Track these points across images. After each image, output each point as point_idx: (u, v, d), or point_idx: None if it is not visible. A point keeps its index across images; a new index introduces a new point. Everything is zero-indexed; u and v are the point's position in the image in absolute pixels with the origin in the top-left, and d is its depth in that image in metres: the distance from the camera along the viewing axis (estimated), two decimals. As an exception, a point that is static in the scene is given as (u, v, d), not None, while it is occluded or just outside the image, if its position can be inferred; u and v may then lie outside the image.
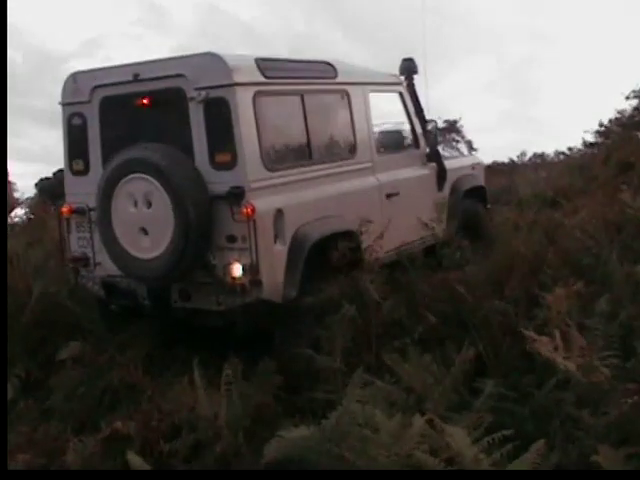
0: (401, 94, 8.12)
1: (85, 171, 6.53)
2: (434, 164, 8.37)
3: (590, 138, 17.88)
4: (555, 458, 3.83)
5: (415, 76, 8.45)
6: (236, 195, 5.67)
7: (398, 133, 8.00)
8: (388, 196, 7.33)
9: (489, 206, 9.50)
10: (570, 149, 18.42)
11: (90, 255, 6.55)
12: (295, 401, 5.39)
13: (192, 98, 5.80)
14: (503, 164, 21.65)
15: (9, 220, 9.83)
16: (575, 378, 4.28)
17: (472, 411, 4.32)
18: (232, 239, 5.78)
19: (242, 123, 5.73)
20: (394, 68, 8.44)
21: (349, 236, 6.36)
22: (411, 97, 8.30)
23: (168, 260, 5.75)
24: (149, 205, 5.78)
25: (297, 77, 6.54)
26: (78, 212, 6.51)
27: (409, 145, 8.16)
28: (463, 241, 7.61)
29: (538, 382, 4.83)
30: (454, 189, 8.68)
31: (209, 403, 4.95)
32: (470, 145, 47.89)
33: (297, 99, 6.44)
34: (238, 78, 5.74)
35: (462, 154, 10.12)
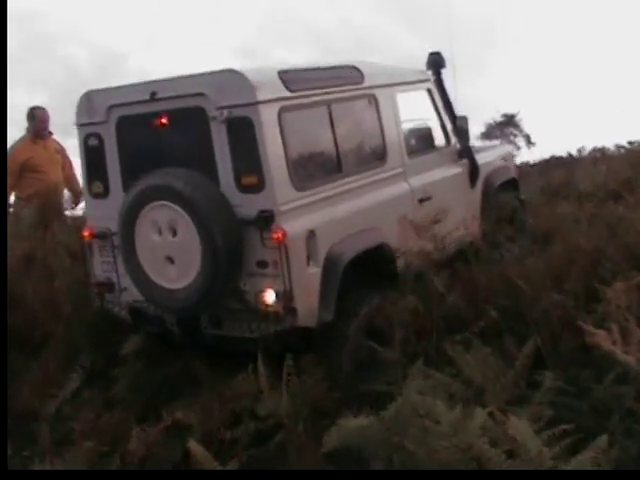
0: (429, 90, 7.76)
1: (105, 194, 6.24)
2: (465, 161, 8.00)
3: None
4: (615, 454, 3.78)
5: (443, 70, 8.05)
6: (265, 219, 5.40)
7: (428, 132, 7.58)
8: (421, 201, 6.97)
9: (523, 197, 9.17)
10: (631, 143, 18.04)
11: (115, 280, 6.28)
12: (355, 392, 5.40)
13: (214, 118, 5.50)
14: (562, 158, 21.27)
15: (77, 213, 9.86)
16: (634, 372, 4.27)
17: (532, 404, 4.33)
18: (263, 264, 5.51)
19: (268, 143, 5.42)
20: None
21: (383, 250, 6.20)
22: (439, 93, 7.95)
23: (197, 290, 5.51)
24: (174, 233, 5.53)
25: (323, 86, 6.11)
26: (100, 236, 6.25)
27: (439, 143, 7.74)
28: (500, 237, 7.63)
29: (597, 376, 4.81)
30: (487, 184, 8.31)
31: (271, 392, 5.02)
32: (528, 139, 47.50)
33: (324, 110, 6.09)
34: (262, 95, 5.41)
35: (492, 145, 9.69)
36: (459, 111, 8.15)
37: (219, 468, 4.45)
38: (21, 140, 9.42)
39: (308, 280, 5.55)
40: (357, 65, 6.70)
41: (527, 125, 47.78)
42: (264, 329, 5.58)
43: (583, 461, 3.49)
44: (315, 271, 5.60)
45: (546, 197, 11.38)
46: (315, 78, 6.12)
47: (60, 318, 6.64)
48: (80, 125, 6.26)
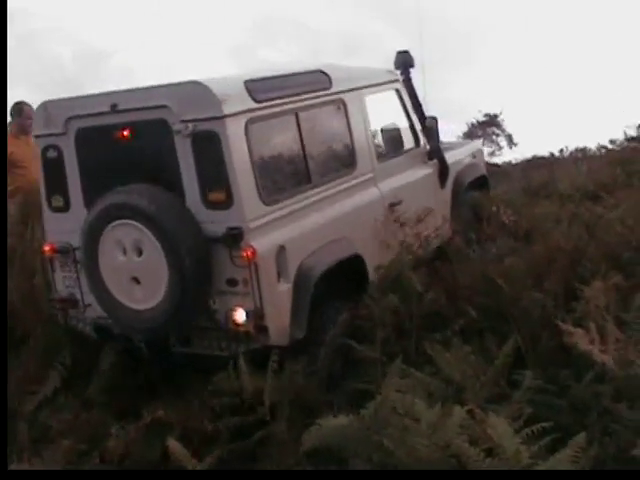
0: (398, 91, 7.52)
1: (65, 208, 5.98)
2: (435, 161, 7.80)
3: (632, 132, 17.64)
4: (594, 451, 3.80)
5: (412, 70, 7.87)
6: (234, 237, 5.21)
7: (397, 134, 7.26)
8: (391, 205, 6.77)
9: (491, 193, 8.99)
10: (612, 142, 18.13)
11: (78, 296, 6.04)
12: (335, 391, 5.42)
13: (178, 131, 5.26)
14: (543, 158, 21.38)
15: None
16: (612, 371, 4.30)
17: (511, 403, 4.35)
18: (233, 282, 5.34)
19: (235, 158, 5.21)
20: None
21: (354, 261, 6.05)
22: (408, 92, 7.72)
23: (164, 311, 5.31)
24: (139, 253, 5.31)
25: (290, 95, 5.87)
26: (61, 252, 6.01)
27: (409, 145, 7.48)
28: (472, 235, 7.72)
29: (576, 375, 4.83)
30: (456, 183, 8.18)
31: (253, 389, 5.01)
32: (510, 139, 47.63)
33: (292, 119, 5.87)
34: (228, 109, 5.19)
35: (461, 142, 9.47)
36: (430, 112, 8.03)
37: (197, 466, 4.44)
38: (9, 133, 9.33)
39: (279, 297, 5.41)
40: (325, 70, 6.48)
41: (509, 125, 47.90)
42: (235, 348, 5.42)
43: (561, 459, 3.50)
44: (286, 287, 5.46)
45: (527, 197, 11.44)
46: (282, 86, 5.88)
47: (40, 316, 6.58)
48: (37, 136, 6.05)
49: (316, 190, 5.96)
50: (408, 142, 7.46)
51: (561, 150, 21.25)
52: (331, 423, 4.27)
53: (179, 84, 5.33)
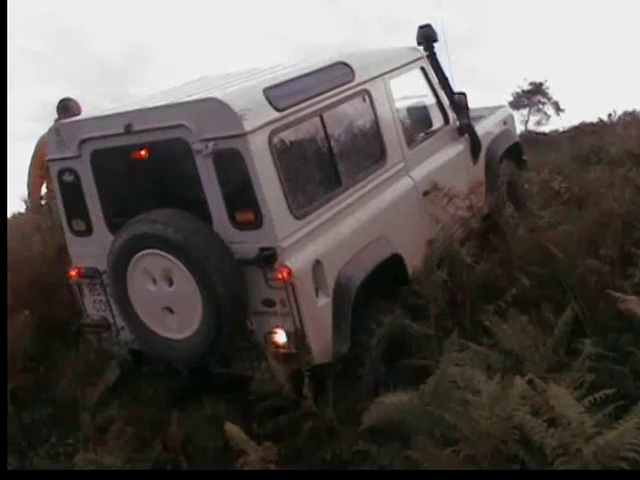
0: (423, 68, 7.03)
1: (88, 232, 5.74)
2: (466, 136, 7.37)
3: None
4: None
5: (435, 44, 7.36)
6: (267, 258, 4.92)
7: (425, 115, 6.81)
8: (425, 193, 6.41)
9: (525, 157, 8.62)
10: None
11: (110, 320, 5.84)
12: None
13: (198, 151, 4.96)
14: (592, 124, 21.08)
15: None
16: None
17: (572, 371, 4.30)
18: (270, 303, 5.05)
19: (261, 175, 4.87)
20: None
21: (394, 260, 5.74)
22: (434, 68, 7.25)
23: (202, 341, 5.07)
24: (170, 283, 5.07)
25: (313, 95, 5.48)
26: (88, 276, 5.81)
27: (438, 124, 7.03)
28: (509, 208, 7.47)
29: (637, 341, 4.78)
30: (489, 156, 7.71)
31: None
32: (557, 106, 47.09)
33: (316, 121, 5.48)
34: (249, 124, 4.83)
35: (491, 108, 8.86)
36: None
37: (258, 450, 4.44)
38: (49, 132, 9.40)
39: (319, 314, 5.12)
40: (346, 60, 6.06)
41: (555, 93, 47.35)
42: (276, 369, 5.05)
43: (627, 427, 3.44)
44: (325, 302, 5.17)
45: (577, 164, 11.29)
46: (303, 88, 5.50)
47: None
48: (52, 160, 5.79)
49: (348, 192, 5.62)
50: (437, 121, 7.03)
51: (609, 115, 20.94)
52: (391, 400, 4.27)
53: (195, 101, 5.10)
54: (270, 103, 5.08)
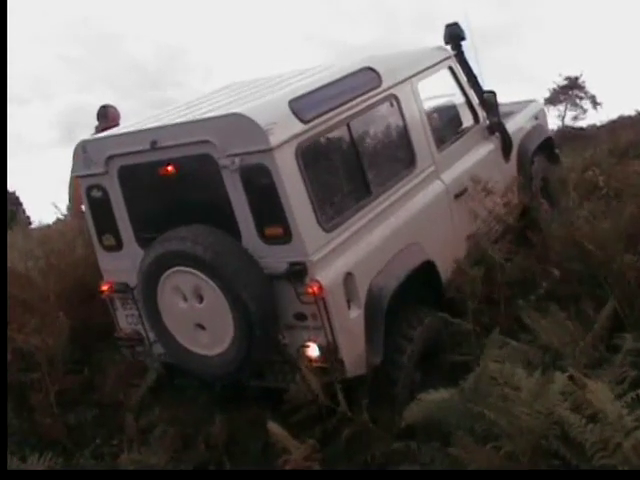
0: (451, 68, 6.88)
1: (118, 247, 5.75)
2: (497, 135, 7.24)
3: None
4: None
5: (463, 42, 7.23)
6: (297, 273, 4.90)
7: (454, 115, 6.73)
8: (456, 196, 6.31)
9: (557, 152, 8.48)
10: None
11: (143, 333, 5.83)
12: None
13: (225, 166, 4.92)
14: (630, 117, 20.88)
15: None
16: None
17: (613, 367, 4.29)
18: (301, 317, 5.01)
19: (289, 190, 4.82)
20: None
21: (426, 267, 5.68)
22: (462, 67, 7.11)
23: (235, 356, 5.04)
24: (200, 300, 5.05)
25: (340, 104, 5.38)
26: (120, 291, 5.83)
27: (468, 124, 6.92)
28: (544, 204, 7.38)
29: (679, 336, 4.74)
30: (521, 153, 7.58)
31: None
32: (594, 100, 46.65)
33: (344, 130, 5.41)
34: (275, 139, 4.77)
35: (522, 103, 8.59)
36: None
37: (301, 448, 4.47)
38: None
39: (352, 326, 5.08)
40: (372, 65, 5.95)
41: (593, 86, 46.90)
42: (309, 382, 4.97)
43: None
44: (358, 314, 5.12)
45: (615, 158, 11.18)
46: (330, 97, 5.40)
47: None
48: (79, 177, 5.78)
49: (377, 201, 5.52)
50: (467, 120, 6.92)
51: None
52: (432, 397, 4.31)
53: (220, 117, 5.04)
54: (296, 115, 5.02)
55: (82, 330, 6.52)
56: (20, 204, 26.67)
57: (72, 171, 5.85)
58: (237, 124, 4.85)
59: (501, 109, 7.47)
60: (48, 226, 11.80)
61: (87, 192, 5.74)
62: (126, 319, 5.93)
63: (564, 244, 6.31)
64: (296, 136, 4.94)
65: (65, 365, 6.29)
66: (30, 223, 13.69)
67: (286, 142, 4.85)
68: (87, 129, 9.11)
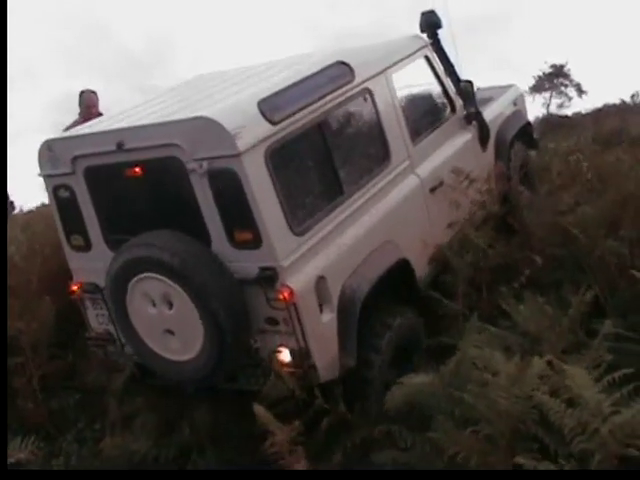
0: (427, 57, 6.69)
1: (86, 247, 5.59)
2: (474, 124, 7.08)
3: None
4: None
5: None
6: (267, 278, 4.78)
7: (430, 106, 6.65)
8: (432, 190, 6.19)
9: (536, 137, 8.46)
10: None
11: (114, 333, 5.68)
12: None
13: (192, 170, 4.78)
14: (614, 105, 20.98)
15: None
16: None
17: (590, 351, 4.32)
18: (273, 322, 4.90)
19: (258, 194, 4.68)
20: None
21: (401, 265, 5.59)
22: (439, 56, 6.92)
23: (206, 361, 4.94)
24: (170, 306, 4.93)
25: (311, 102, 5.22)
26: (89, 291, 5.69)
27: (444, 114, 6.78)
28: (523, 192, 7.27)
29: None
30: (498, 141, 7.43)
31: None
32: (579, 88, 46.69)
33: (315, 129, 5.25)
34: (243, 143, 4.63)
35: (499, 88, 8.38)
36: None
37: (284, 430, 4.46)
38: (73, 124, 9.42)
39: (324, 331, 4.98)
40: (344, 59, 5.77)
41: (578, 74, 46.89)
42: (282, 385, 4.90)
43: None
44: (330, 317, 5.02)
45: (598, 145, 11.22)
46: (300, 95, 5.23)
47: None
48: (45, 176, 5.60)
49: (350, 200, 5.41)
50: (443, 110, 6.81)
51: (632, 96, 20.83)
52: (413, 381, 4.33)
53: (187, 120, 4.87)
54: (265, 117, 4.87)
55: (66, 314, 6.50)
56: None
57: (39, 171, 5.64)
58: (205, 128, 4.71)
59: (479, 95, 7.36)
60: (30, 212, 11.77)
61: (54, 192, 5.59)
62: (97, 319, 5.80)
63: (548, 230, 6.34)
64: (265, 139, 4.81)
65: (49, 350, 6.30)
66: (14, 208, 13.60)
67: (255, 146, 4.72)
68: (73, 115, 9.10)
